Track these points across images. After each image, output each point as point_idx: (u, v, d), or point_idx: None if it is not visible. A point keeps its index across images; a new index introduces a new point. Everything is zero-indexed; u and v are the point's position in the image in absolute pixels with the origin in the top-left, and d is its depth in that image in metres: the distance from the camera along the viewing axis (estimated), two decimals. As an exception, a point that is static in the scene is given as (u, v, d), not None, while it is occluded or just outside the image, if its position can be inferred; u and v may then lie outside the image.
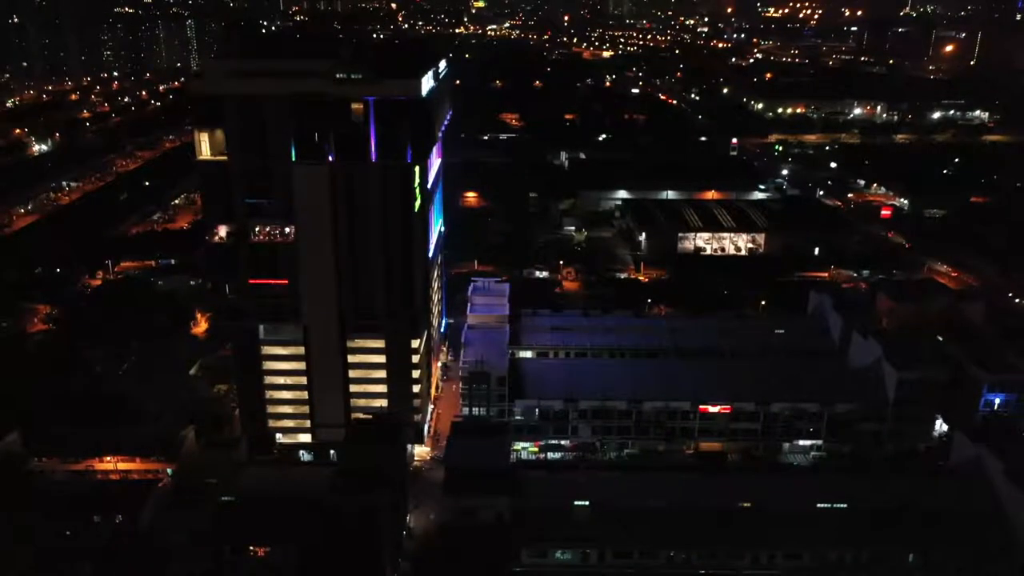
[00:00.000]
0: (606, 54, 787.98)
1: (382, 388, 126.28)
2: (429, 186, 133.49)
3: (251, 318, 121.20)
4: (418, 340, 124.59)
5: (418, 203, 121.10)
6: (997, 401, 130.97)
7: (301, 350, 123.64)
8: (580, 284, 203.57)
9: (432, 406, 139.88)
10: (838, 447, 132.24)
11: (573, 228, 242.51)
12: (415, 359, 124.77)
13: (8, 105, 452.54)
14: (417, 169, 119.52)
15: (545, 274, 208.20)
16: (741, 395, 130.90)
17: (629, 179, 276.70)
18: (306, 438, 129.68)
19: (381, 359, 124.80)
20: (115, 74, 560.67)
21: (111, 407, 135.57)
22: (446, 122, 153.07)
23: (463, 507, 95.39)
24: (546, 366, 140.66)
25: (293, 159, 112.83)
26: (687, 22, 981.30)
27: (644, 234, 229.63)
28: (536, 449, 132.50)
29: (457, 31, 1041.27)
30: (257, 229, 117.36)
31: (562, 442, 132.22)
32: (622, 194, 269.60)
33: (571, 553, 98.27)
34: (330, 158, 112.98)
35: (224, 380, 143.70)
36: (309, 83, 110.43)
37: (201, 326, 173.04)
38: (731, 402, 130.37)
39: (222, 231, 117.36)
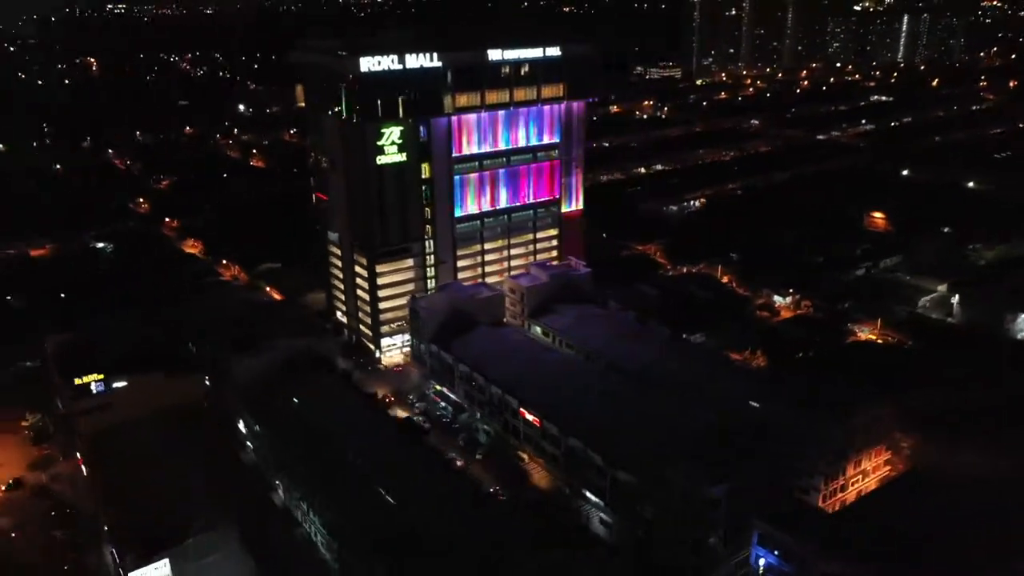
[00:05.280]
0: None
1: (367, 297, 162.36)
2: (459, 151, 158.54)
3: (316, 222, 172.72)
4: (383, 266, 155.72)
5: (400, 158, 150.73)
6: (763, 563, 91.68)
7: (339, 251, 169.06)
8: (789, 315, 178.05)
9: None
10: (630, 526, 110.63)
11: (909, 276, 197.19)
12: (379, 281, 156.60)
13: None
14: (398, 130, 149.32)
15: (787, 300, 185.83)
16: (554, 415, 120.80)
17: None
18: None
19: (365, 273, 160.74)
20: (837, 64, 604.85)
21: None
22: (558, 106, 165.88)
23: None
24: (491, 335, 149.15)
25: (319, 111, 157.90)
26: None
27: (957, 297, 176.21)
28: (438, 389, 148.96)
29: None
30: (323, 158, 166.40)
31: (450, 395, 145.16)
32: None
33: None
34: (330, 112, 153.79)
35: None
36: (326, 57, 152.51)
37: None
38: (543, 416, 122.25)
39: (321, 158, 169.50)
